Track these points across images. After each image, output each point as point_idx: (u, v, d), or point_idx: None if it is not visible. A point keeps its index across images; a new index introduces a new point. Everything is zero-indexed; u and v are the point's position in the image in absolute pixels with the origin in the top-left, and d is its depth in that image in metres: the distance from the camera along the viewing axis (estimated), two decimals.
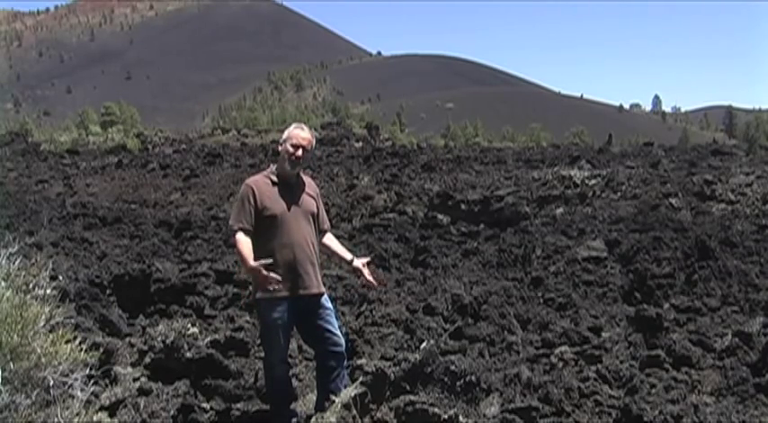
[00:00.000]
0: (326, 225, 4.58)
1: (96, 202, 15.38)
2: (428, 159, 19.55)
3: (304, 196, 4.38)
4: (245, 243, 4.17)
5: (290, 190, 4.33)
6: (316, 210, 4.43)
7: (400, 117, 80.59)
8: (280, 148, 4.38)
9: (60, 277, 6.32)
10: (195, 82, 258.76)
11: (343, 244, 4.83)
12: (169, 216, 13.07)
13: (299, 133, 4.34)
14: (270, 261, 4.06)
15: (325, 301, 4.38)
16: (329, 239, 4.58)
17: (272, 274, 4.03)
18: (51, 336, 3.41)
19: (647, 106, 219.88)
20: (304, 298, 4.26)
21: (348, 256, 4.55)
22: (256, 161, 20.53)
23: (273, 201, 4.25)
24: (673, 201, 12.30)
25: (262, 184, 4.31)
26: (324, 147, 26.67)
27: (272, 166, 4.48)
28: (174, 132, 39.48)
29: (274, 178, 4.33)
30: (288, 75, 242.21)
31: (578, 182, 13.74)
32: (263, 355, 4.61)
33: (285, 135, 4.37)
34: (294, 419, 4.45)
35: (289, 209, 4.28)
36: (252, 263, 4.05)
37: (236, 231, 4.23)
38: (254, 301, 4.47)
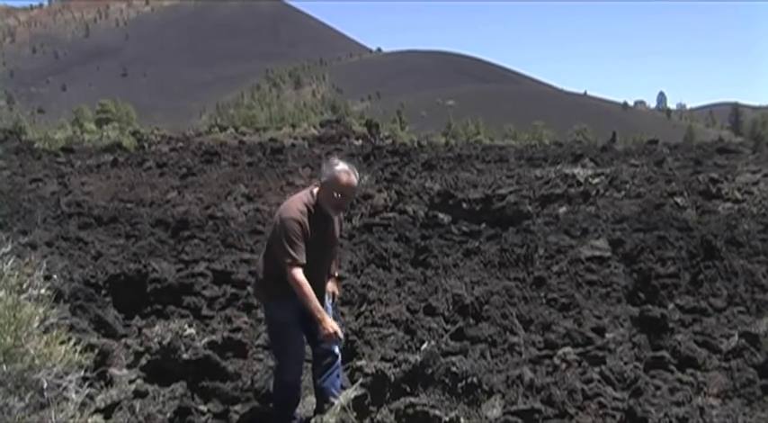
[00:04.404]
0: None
1: (91, 200, 15.36)
2: (429, 158, 19.52)
3: (336, 223, 4.50)
4: (309, 285, 4.16)
5: (328, 220, 4.39)
6: (339, 232, 4.60)
7: (400, 115, 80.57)
8: (323, 183, 4.29)
9: (55, 277, 6.32)
10: (192, 79, 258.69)
11: (342, 245, 4.89)
12: (166, 215, 13.05)
13: (352, 182, 4.26)
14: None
15: (326, 301, 4.50)
16: None
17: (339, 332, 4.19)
18: (45, 337, 3.41)
19: (652, 103, 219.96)
20: None
21: (332, 271, 4.69)
22: (254, 159, 20.48)
23: (314, 230, 4.25)
24: (678, 199, 12.29)
25: (306, 216, 4.25)
26: (323, 145, 26.64)
27: (312, 189, 4.39)
28: (171, 130, 39.38)
29: (313, 209, 4.29)
30: (286, 72, 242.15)
31: (581, 180, 13.72)
32: (275, 360, 4.65)
33: (333, 176, 4.25)
34: (295, 422, 4.49)
35: (322, 236, 4.33)
36: (328, 319, 4.19)
37: (297, 266, 4.16)
38: (263, 303, 4.61)
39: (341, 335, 4.22)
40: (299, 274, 4.12)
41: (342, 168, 4.27)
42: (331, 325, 4.16)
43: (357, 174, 4.33)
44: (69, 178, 18.58)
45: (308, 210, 4.25)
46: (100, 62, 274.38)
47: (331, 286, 4.64)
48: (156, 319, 6.33)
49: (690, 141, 36.19)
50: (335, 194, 4.24)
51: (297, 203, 4.30)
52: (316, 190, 4.35)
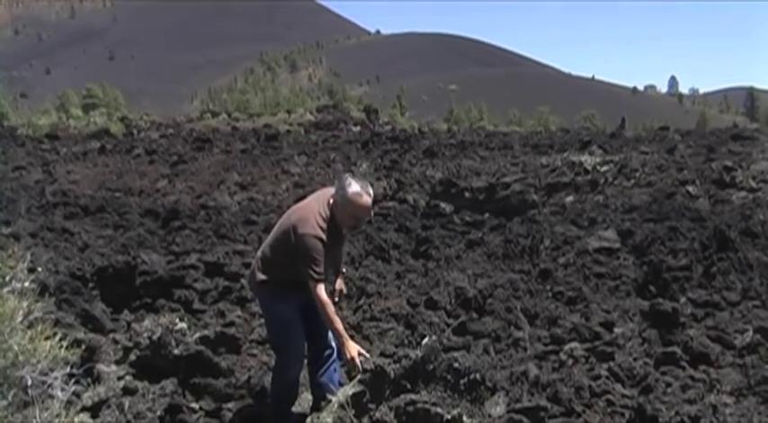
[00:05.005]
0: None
1: (78, 189, 15.35)
2: (430, 144, 19.48)
3: (346, 234, 4.60)
4: (332, 305, 4.29)
5: (340, 232, 4.45)
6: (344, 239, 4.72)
7: (400, 100, 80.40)
8: (336, 202, 4.31)
9: (39, 270, 6.31)
10: (183, 63, 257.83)
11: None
12: (156, 205, 13.05)
13: (366, 204, 4.28)
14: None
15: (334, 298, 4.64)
16: None
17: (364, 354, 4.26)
18: (30, 332, 3.40)
19: (663, 88, 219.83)
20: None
21: (340, 267, 4.87)
22: (248, 147, 20.47)
23: (330, 241, 4.31)
24: (690, 188, 12.28)
25: (325, 232, 4.29)
26: (320, 131, 26.62)
27: (327, 200, 4.40)
28: (161, 116, 39.36)
29: (330, 223, 4.33)
30: (281, 55, 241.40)
31: (589, 168, 13.71)
32: (276, 357, 4.68)
33: (346, 199, 4.26)
34: (291, 420, 4.52)
35: (335, 246, 4.43)
36: (350, 341, 4.29)
37: (322, 281, 4.25)
38: (262, 300, 4.63)
39: (367, 356, 4.25)
40: (324, 293, 4.22)
41: (354, 191, 4.24)
42: (353, 349, 4.22)
43: (371, 191, 4.33)
44: (54, 166, 18.56)
45: (327, 225, 4.29)
46: (86, 45, 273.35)
47: (339, 283, 4.80)
48: (146, 314, 6.33)
49: (702, 128, 36.14)
50: (350, 216, 4.31)
51: (316, 217, 4.29)
52: (331, 200, 4.36)
